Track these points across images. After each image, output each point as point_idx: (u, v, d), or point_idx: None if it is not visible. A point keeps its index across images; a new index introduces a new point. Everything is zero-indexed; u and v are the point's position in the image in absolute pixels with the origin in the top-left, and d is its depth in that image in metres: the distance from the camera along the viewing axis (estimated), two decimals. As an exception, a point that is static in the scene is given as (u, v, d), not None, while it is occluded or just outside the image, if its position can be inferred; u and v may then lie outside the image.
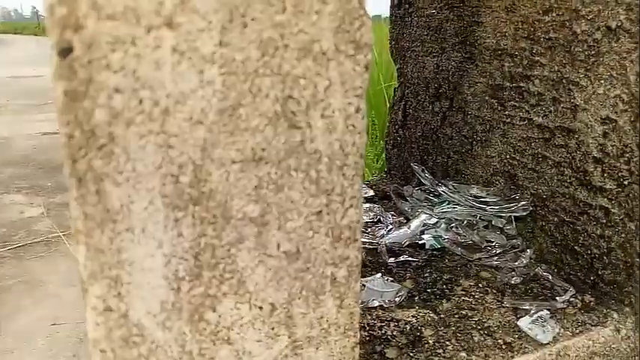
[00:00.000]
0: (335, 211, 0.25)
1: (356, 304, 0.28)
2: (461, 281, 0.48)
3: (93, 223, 0.20)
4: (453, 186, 0.57)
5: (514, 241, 0.52)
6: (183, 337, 0.23)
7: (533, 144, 0.51)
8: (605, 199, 0.44)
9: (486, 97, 0.57)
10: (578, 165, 0.46)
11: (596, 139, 0.45)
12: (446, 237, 0.53)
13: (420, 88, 0.69)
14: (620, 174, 0.43)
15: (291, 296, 0.26)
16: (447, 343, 0.39)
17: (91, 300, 0.21)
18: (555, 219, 0.49)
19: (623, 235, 0.44)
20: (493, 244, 0.53)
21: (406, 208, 0.61)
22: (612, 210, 0.44)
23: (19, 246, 2.11)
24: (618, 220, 0.44)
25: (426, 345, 0.39)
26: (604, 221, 0.45)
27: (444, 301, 0.44)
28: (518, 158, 0.53)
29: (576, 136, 0.46)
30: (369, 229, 0.57)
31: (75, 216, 0.20)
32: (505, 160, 0.55)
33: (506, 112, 0.54)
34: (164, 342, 0.23)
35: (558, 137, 0.48)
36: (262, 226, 0.24)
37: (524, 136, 0.52)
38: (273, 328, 0.26)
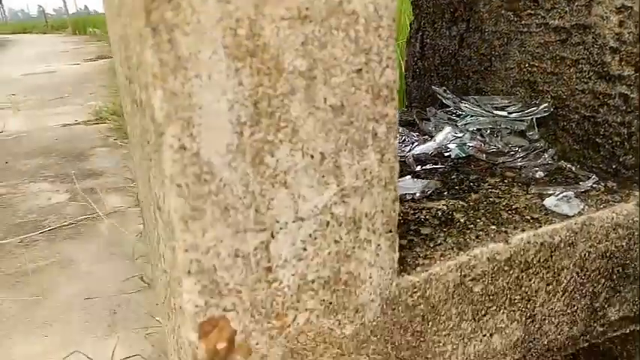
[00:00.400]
0: (373, 70, 0.28)
1: (395, 159, 0.31)
2: (487, 179, 0.50)
3: (167, 69, 0.23)
4: (474, 99, 0.60)
5: (537, 144, 0.55)
6: (247, 178, 0.27)
7: (550, 47, 0.53)
8: (624, 86, 0.46)
9: (502, 12, 0.58)
10: (596, 59, 0.48)
11: (612, 30, 0.46)
12: (470, 145, 0.56)
13: (436, 17, 0.71)
14: (637, 59, 0.45)
15: (338, 147, 0.29)
16: (478, 220, 0.42)
17: (167, 139, 0.24)
18: (576, 116, 0.51)
19: (642, 122, 0.46)
20: (516, 148, 0.55)
21: (430, 128, 0.63)
22: (631, 95, 0.46)
23: (50, 230, 2.20)
24: (638, 104, 0.46)
25: (458, 224, 0.42)
26: (624, 108, 0.47)
27: (472, 193, 0.47)
28: (537, 65, 0.55)
29: (592, 30, 0.48)
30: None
31: (151, 63, 0.23)
32: (524, 69, 0.57)
33: (523, 22, 0.56)
34: (230, 181, 0.26)
35: (575, 36, 0.50)
36: (310, 80, 0.27)
37: (542, 41, 0.54)
38: (323, 176, 0.29)
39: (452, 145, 0.57)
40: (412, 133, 0.64)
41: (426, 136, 0.63)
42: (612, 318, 0.47)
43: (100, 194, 2.44)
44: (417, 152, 0.57)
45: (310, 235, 0.30)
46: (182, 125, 0.24)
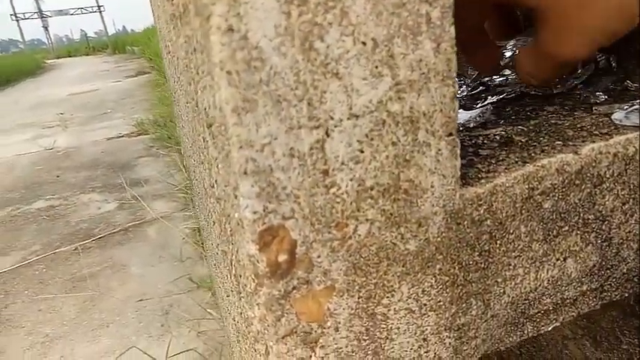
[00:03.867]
0: None
1: (452, 49, 0.29)
2: (545, 107, 0.47)
3: None
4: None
5: (597, 65, 0.51)
6: (297, 66, 0.25)
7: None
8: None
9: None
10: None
11: None
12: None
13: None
14: None
15: (390, 33, 0.27)
16: (541, 139, 0.39)
17: (214, 20, 0.23)
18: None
19: None
20: (576, 75, 0.51)
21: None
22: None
23: (101, 237, 2.28)
24: None
25: (519, 144, 0.39)
26: (693, 14, 0.43)
27: (531, 120, 0.44)
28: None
29: None
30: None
31: None
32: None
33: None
34: (281, 69, 0.25)
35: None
36: None
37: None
38: (376, 67, 0.27)
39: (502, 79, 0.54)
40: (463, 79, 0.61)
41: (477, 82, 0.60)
42: (697, 244, 0.43)
43: (146, 201, 2.50)
44: (467, 94, 0.54)
45: (366, 135, 0.28)
46: (229, 3, 0.23)
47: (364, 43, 0.26)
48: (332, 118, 0.27)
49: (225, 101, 0.24)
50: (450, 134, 0.30)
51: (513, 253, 0.35)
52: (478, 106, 0.51)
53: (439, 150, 0.30)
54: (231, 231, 0.32)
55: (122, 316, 1.54)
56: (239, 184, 0.26)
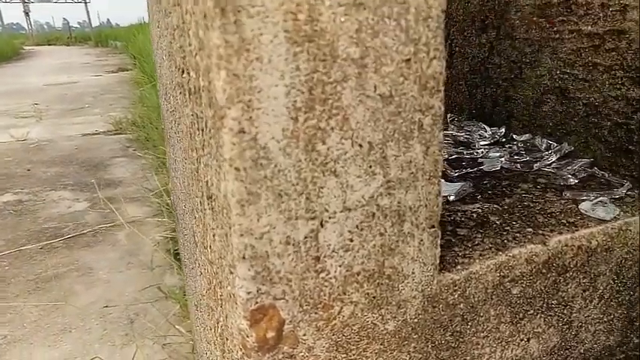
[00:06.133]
0: (421, 60, 0.29)
1: (440, 152, 0.31)
2: (519, 184, 0.50)
3: (231, 50, 0.24)
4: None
5: (567, 148, 0.55)
6: (299, 165, 0.27)
7: (583, 54, 0.53)
8: (659, 93, 0.46)
9: (534, 18, 0.59)
10: (630, 64, 0.48)
11: (647, 37, 0.46)
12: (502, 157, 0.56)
13: (465, 24, 0.72)
14: (672, 69, 0.45)
15: (385, 137, 0.29)
16: (513, 223, 0.42)
17: (228, 122, 0.25)
18: (608, 123, 0.51)
19: (677, 130, 0.46)
20: (549, 153, 0.55)
21: (462, 139, 0.63)
22: (666, 103, 0.46)
23: (69, 237, 2.22)
24: (672, 113, 0.46)
25: (494, 225, 0.41)
26: (658, 115, 0.47)
27: (505, 198, 0.47)
28: (568, 71, 0.55)
29: (627, 35, 0.48)
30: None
31: (217, 44, 0.24)
32: (555, 76, 0.57)
33: (555, 29, 0.56)
34: (285, 167, 0.27)
35: (608, 42, 0.50)
36: (362, 68, 0.27)
37: (574, 48, 0.54)
38: (370, 167, 0.29)
39: (485, 159, 0.57)
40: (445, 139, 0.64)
41: (462, 147, 0.63)
42: (649, 327, 0.46)
43: (119, 204, 2.45)
44: (452, 158, 0.57)
45: (357, 227, 0.30)
46: (242, 108, 0.25)
47: (361, 146, 0.28)
48: (327, 211, 0.29)
49: (232, 194, 0.26)
50: (433, 226, 0.33)
51: (482, 334, 0.38)
52: (456, 174, 0.54)
53: (421, 240, 0.32)
54: (221, 296, 0.33)
55: (86, 321, 1.50)
56: (236, 266, 0.28)
